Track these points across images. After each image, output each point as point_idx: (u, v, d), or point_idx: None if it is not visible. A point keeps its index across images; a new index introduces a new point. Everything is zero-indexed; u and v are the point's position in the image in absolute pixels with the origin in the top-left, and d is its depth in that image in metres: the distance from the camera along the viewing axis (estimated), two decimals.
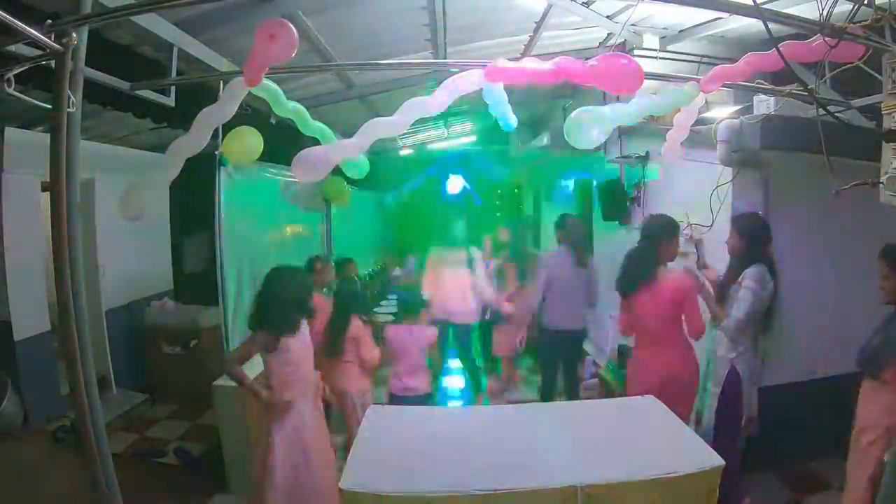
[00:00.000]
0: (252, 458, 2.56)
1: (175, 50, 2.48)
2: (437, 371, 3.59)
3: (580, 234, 4.04)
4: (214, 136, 2.26)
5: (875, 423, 2.10)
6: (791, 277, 2.95)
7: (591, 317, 4.28)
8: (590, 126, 1.97)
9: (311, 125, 2.42)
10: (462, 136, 7.89)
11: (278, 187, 3.85)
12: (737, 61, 2.06)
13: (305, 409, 2.42)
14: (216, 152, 2.78)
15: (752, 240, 2.53)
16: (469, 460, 1.70)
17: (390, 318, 5.98)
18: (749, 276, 2.46)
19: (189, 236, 5.52)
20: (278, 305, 2.34)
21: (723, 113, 2.99)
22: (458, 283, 4.13)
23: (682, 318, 2.60)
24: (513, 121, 2.46)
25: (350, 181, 4.67)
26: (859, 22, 1.64)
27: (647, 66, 2.22)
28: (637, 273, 2.68)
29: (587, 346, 5.23)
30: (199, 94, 2.81)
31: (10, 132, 3.31)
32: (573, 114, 1.98)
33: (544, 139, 5.41)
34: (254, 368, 3.13)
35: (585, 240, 4.36)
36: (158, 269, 5.07)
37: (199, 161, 2.28)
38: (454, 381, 4.86)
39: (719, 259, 3.06)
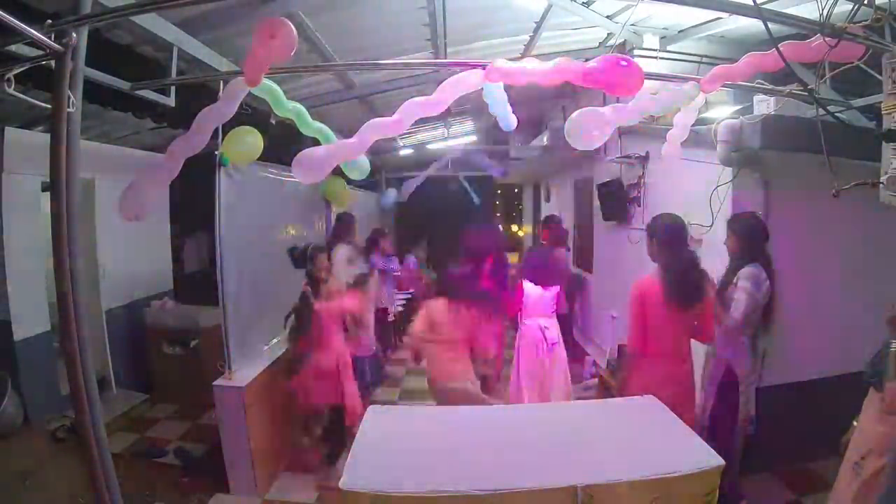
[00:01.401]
0: None
1: (175, 50, 2.48)
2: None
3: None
4: (214, 136, 2.27)
5: (883, 447, 1.91)
6: (791, 277, 2.95)
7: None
8: (590, 127, 1.97)
9: (311, 125, 2.41)
10: (462, 136, 7.89)
11: (278, 187, 3.85)
12: (737, 61, 2.06)
13: None
14: (216, 152, 2.77)
15: (749, 239, 2.51)
16: (469, 460, 1.70)
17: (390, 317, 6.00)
18: (744, 277, 2.45)
19: (189, 236, 5.52)
20: None
21: (723, 113, 2.99)
22: None
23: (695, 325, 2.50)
24: (512, 121, 2.46)
25: (350, 181, 4.68)
26: (859, 22, 1.64)
27: (647, 66, 2.22)
28: (700, 285, 2.46)
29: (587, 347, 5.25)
30: (199, 94, 2.81)
31: (10, 132, 3.31)
32: (573, 115, 1.98)
33: (544, 139, 5.42)
34: (254, 369, 3.13)
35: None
36: (158, 269, 5.07)
37: (199, 161, 2.28)
38: None
39: (719, 259, 3.07)
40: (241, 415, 2.89)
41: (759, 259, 2.49)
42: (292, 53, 1.76)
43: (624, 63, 1.84)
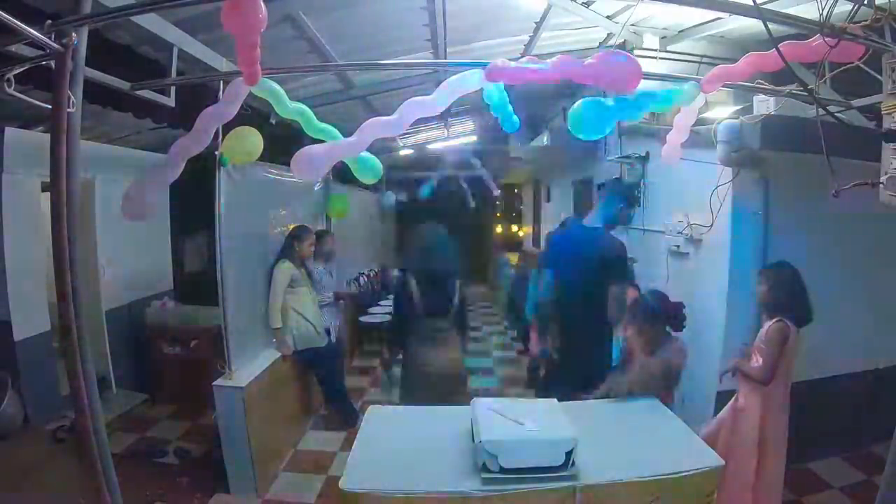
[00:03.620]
0: None
1: (175, 50, 2.48)
2: None
3: None
4: (214, 136, 2.26)
5: None
6: None
7: None
8: (593, 117, 1.97)
9: (316, 126, 2.37)
10: (462, 136, 7.89)
11: (278, 187, 3.85)
12: (737, 61, 2.06)
13: None
14: (216, 152, 2.77)
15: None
16: (469, 460, 1.70)
17: (387, 318, 6.01)
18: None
19: (189, 236, 5.52)
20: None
21: (723, 113, 2.99)
22: None
23: None
24: (514, 122, 2.46)
25: (351, 181, 4.69)
26: (859, 22, 1.64)
27: (647, 66, 2.22)
28: None
29: None
30: (199, 94, 2.81)
31: (10, 132, 3.31)
32: (576, 105, 1.98)
33: (544, 139, 5.42)
34: (254, 369, 3.13)
35: None
36: (158, 269, 5.07)
37: (199, 161, 2.28)
38: None
39: (718, 260, 3.07)
40: (241, 415, 2.89)
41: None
42: (262, 18, 1.53)
43: (622, 58, 1.84)
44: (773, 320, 2.39)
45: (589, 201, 5.51)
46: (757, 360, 2.41)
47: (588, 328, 2.66)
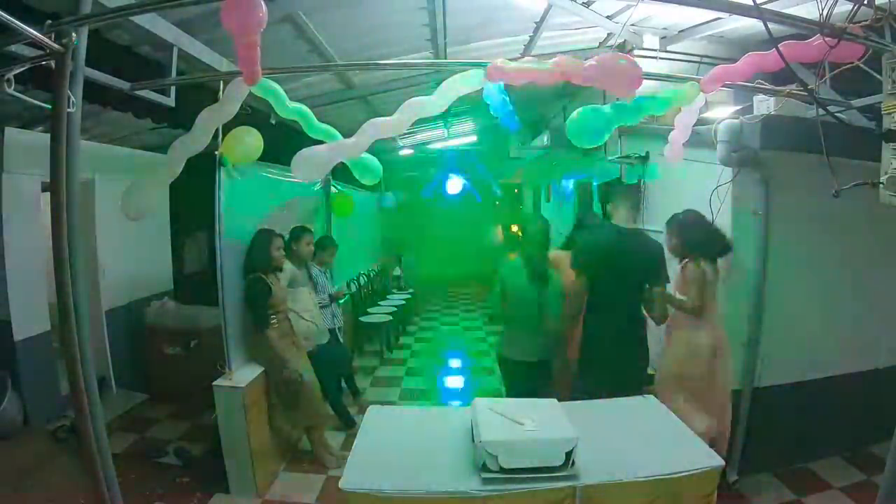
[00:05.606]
0: None
1: (175, 50, 2.48)
2: None
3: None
4: (214, 136, 2.26)
5: None
6: (791, 277, 2.95)
7: None
8: (591, 125, 1.98)
9: (316, 127, 2.37)
10: (462, 136, 7.89)
11: (278, 187, 3.85)
12: (737, 61, 2.06)
13: None
14: (216, 152, 2.77)
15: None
16: (469, 460, 1.70)
17: (389, 317, 6.00)
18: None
19: (189, 236, 5.52)
20: None
21: (723, 113, 2.99)
22: None
23: None
24: (514, 121, 2.46)
25: (350, 182, 4.68)
26: (859, 22, 1.64)
27: (647, 66, 2.22)
28: None
29: None
30: (199, 94, 2.81)
31: (10, 132, 3.30)
32: (575, 113, 1.99)
33: (544, 139, 5.42)
34: (254, 369, 3.14)
35: None
36: (158, 269, 5.06)
37: (199, 161, 2.28)
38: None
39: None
40: (241, 415, 2.89)
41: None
42: (262, 17, 1.54)
43: (622, 61, 1.84)
44: (683, 262, 2.68)
45: (590, 202, 5.52)
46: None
47: (633, 333, 2.72)
